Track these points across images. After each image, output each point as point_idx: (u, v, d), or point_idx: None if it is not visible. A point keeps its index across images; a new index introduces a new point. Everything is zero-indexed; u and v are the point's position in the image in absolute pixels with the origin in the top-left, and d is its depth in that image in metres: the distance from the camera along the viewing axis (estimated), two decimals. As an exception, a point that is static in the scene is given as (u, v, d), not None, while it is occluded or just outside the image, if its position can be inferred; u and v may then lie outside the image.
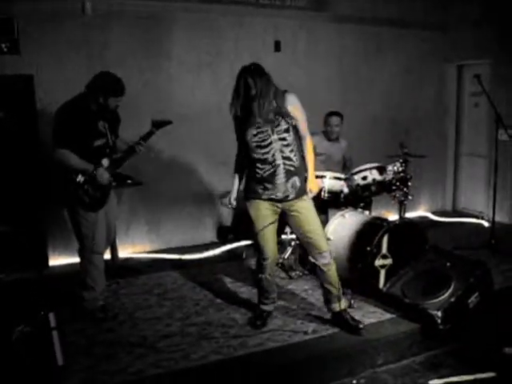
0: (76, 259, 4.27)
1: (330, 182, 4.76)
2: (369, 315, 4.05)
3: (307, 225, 3.68)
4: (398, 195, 4.64)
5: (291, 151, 3.59)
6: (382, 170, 4.71)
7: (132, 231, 5.79)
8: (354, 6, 6.71)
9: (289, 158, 3.58)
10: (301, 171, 3.68)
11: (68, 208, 3.98)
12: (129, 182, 5.06)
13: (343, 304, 3.81)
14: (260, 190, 3.64)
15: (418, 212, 7.53)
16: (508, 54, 6.53)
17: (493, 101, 5.59)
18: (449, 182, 7.78)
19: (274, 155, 3.54)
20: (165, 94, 5.72)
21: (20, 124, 4.86)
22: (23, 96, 4.88)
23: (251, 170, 3.66)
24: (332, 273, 3.75)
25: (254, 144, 3.56)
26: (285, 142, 3.56)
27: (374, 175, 4.69)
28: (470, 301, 3.87)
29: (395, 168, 4.64)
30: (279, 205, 3.68)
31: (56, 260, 5.32)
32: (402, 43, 7.10)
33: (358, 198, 4.84)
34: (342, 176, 4.85)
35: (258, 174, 3.60)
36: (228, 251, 5.86)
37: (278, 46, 6.19)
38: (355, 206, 4.91)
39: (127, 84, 3.92)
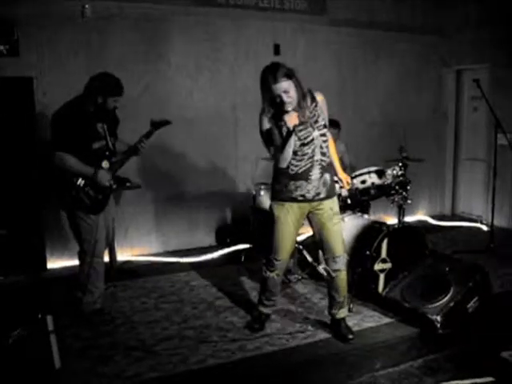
0: (74, 262, 4.26)
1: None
2: (367, 319, 4.05)
3: (330, 225, 3.64)
4: (397, 199, 4.62)
5: (327, 147, 3.59)
6: (381, 173, 4.70)
7: (130, 234, 5.78)
8: (353, 9, 6.73)
9: (325, 154, 3.56)
10: (330, 169, 3.68)
11: (68, 212, 3.97)
12: (128, 184, 5.06)
13: (344, 312, 3.80)
14: (292, 188, 3.56)
15: (417, 216, 7.53)
16: (507, 58, 6.54)
17: (492, 105, 5.60)
18: (448, 186, 7.78)
19: (314, 150, 3.51)
20: (164, 98, 5.72)
21: (19, 126, 4.86)
22: (22, 98, 4.88)
23: (283, 167, 3.55)
24: (340, 280, 3.71)
25: (299, 143, 3.47)
26: (324, 138, 3.55)
27: (373, 179, 4.68)
28: (469, 305, 3.86)
29: (394, 172, 4.64)
30: (308, 206, 3.63)
31: (54, 263, 5.30)
32: (401, 47, 7.12)
33: (356, 201, 4.83)
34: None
35: (293, 170, 3.53)
36: (226, 255, 5.85)
37: (277, 50, 6.20)
38: (353, 210, 4.91)
39: (126, 87, 3.92)
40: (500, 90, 6.58)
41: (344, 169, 5.37)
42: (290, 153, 3.45)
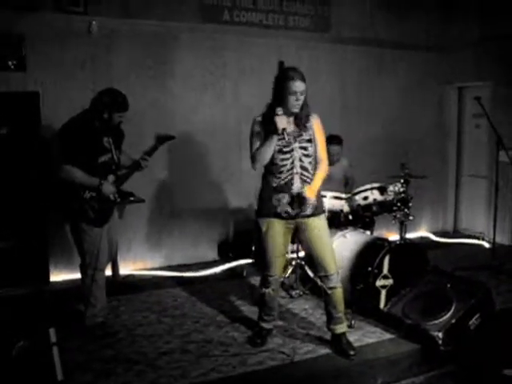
0: (77, 275, 4.28)
1: (331, 201, 4.78)
2: (369, 335, 4.05)
3: (319, 244, 3.65)
4: (398, 215, 4.64)
5: (310, 163, 3.61)
6: (383, 190, 4.73)
7: (133, 248, 5.79)
8: (356, 27, 6.81)
9: (306, 169, 3.59)
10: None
11: (71, 224, 4.00)
12: (131, 198, 5.09)
13: (343, 328, 3.79)
14: (275, 203, 3.59)
15: (419, 232, 7.53)
16: (508, 75, 6.58)
17: (493, 122, 5.64)
18: (449, 203, 7.79)
19: (293, 162, 3.55)
20: (168, 113, 5.78)
21: (24, 140, 4.90)
22: (28, 113, 4.93)
23: (266, 180, 3.63)
24: (336, 296, 3.72)
25: (277, 148, 3.53)
26: (305, 152, 3.58)
27: (374, 195, 4.71)
28: (471, 322, 3.86)
29: (396, 188, 4.66)
30: (293, 222, 3.64)
31: (57, 276, 5.32)
32: (403, 64, 7.18)
33: (358, 218, 4.85)
34: (343, 196, 4.87)
35: (274, 182, 3.58)
36: (228, 269, 5.86)
37: (281, 66, 6.24)
38: (355, 226, 4.92)
39: (131, 102, 3.98)
40: (502, 107, 6.62)
41: (346, 184, 5.45)
42: (270, 152, 3.51)
